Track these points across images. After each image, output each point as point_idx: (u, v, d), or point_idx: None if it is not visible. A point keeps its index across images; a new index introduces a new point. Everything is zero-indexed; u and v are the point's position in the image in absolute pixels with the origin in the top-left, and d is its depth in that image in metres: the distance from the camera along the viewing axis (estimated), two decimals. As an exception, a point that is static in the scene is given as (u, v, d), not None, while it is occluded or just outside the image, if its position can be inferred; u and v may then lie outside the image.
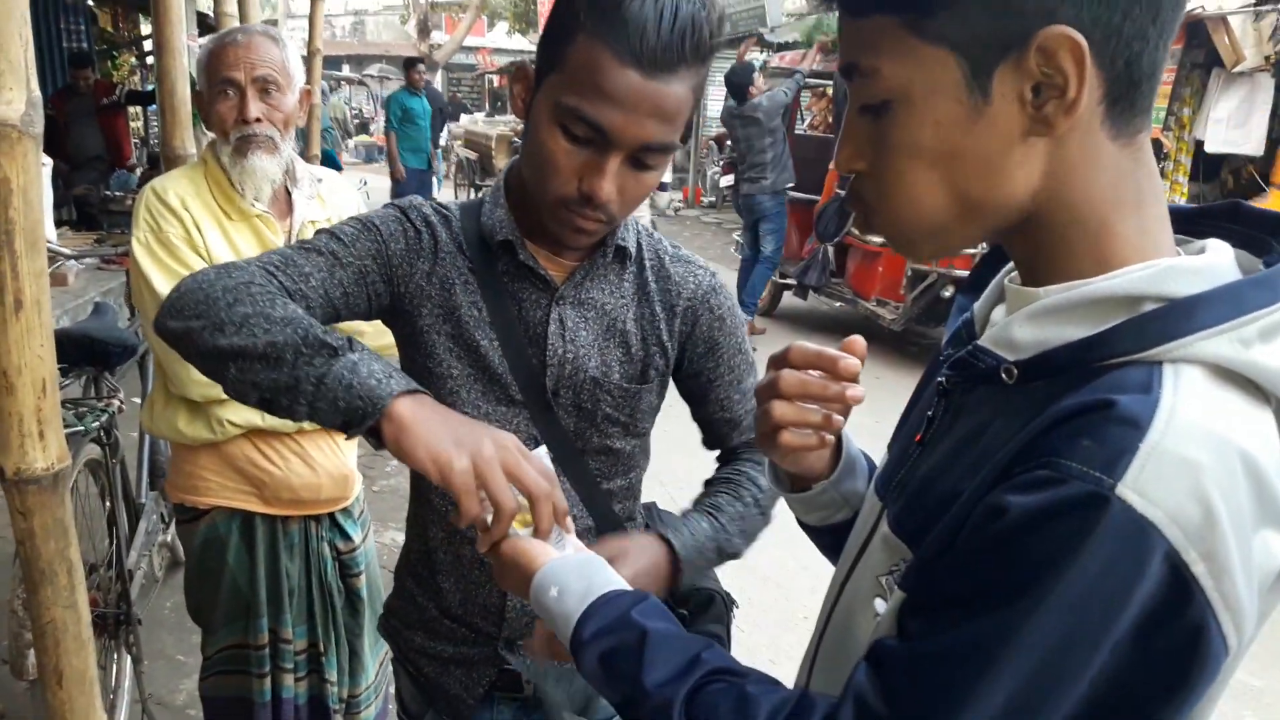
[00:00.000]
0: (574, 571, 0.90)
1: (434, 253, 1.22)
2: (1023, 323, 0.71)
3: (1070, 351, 0.68)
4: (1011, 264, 0.79)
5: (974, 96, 0.68)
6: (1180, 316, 0.65)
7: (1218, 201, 0.78)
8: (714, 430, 1.38)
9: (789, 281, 7.84)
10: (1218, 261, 0.69)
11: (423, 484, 1.32)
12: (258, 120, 1.87)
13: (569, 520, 0.99)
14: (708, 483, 1.37)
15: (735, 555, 1.29)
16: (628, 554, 1.11)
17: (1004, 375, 0.71)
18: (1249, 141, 8.55)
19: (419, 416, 0.95)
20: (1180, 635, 0.60)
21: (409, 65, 9.70)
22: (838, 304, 7.64)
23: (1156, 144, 9.23)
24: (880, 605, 0.78)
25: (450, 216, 1.25)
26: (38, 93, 1.11)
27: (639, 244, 1.28)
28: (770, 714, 0.71)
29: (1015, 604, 0.61)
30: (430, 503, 1.29)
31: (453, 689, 1.32)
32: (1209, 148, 8.87)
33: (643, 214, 6.47)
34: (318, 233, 1.21)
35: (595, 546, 1.06)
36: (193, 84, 2.20)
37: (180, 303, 1.06)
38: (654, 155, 1.09)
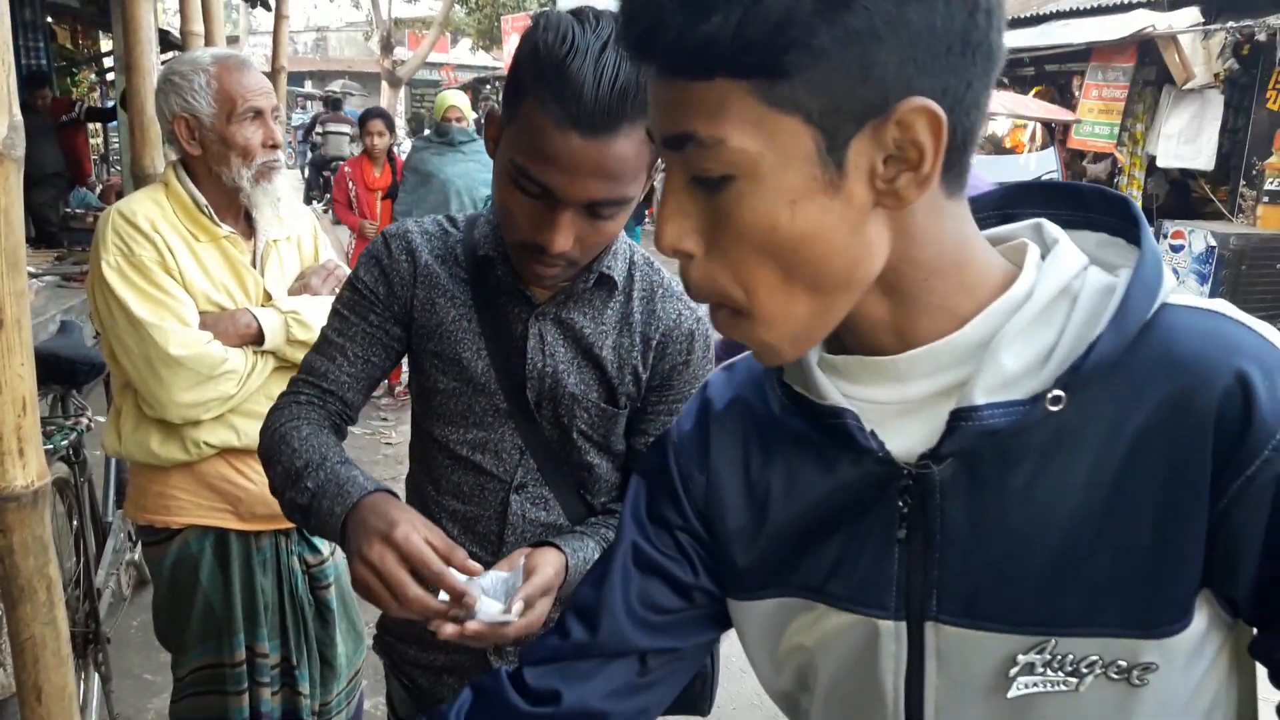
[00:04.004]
0: None
1: (413, 277, 1.26)
2: (1006, 352, 0.67)
3: (1109, 341, 0.65)
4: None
5: (828, 170, 0.61)
6: (1150, 272, 0.67)
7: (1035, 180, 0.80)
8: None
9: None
10: (1070, 246, 0.72)
11: (417, 494, 1.35)
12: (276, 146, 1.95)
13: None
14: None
15: None
16: (540, 567, 1.14)
17: (1051, 406, 0.65)
18: (1200, 156, 8.77)
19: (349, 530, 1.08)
20: None
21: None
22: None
23: (1112, 159, 9.46)
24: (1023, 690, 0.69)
25: (449, 231, 1.30)
26: (19, 116, 1.12)
27: (630, 275, 1.29)
28: None
29: None
30: (428, 510, 1.31)
31: (446, 696, 1.34)
32: (1160, 162, 9.10)
33: None
34: (330, 314, 1.30)
35: (513, 557, 1.16)
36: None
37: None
38: (608, 208, 1.10)
